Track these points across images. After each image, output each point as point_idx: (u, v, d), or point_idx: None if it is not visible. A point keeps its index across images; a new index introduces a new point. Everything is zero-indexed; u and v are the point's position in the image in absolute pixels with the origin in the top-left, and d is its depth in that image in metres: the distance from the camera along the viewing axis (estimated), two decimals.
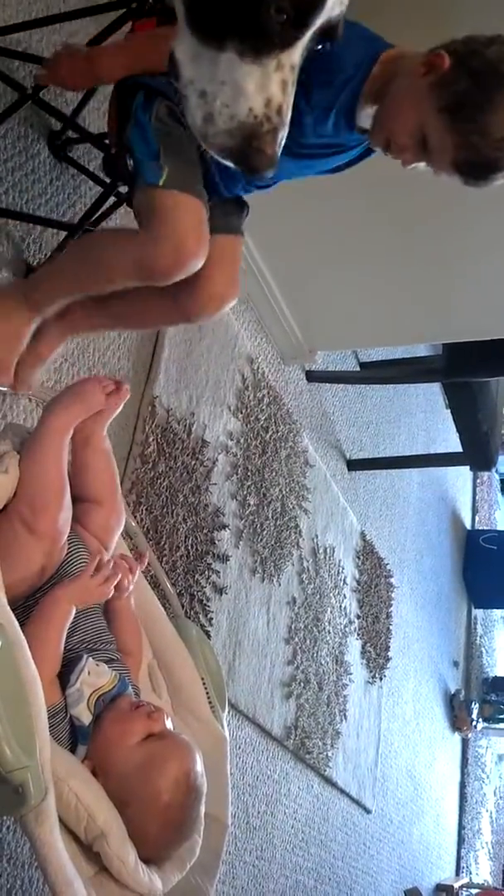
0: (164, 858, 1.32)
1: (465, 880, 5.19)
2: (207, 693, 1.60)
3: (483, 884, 5.69)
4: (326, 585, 3.20)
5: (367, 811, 3.60)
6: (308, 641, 3.01)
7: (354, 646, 3.47)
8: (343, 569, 3.38)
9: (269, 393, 2.82)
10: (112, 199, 1.73)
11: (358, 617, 3.52)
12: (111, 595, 1.41)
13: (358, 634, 3.50)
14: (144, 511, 2.14)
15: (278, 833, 2.80)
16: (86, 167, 1.93)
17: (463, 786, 5.53)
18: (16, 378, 1.64)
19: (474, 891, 5.23)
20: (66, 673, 1.31)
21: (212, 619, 2.41)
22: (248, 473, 2.66)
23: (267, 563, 2.74)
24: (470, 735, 5.49)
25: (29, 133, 1.83)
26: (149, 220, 1.43)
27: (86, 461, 1.48)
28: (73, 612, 1.33)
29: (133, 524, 1.72)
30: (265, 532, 2.74)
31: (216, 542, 2.45)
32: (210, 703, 1.59)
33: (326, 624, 3.17)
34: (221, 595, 2.47)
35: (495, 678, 6.24)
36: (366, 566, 3.63)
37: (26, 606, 1.34)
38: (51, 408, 1.45)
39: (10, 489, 1.35)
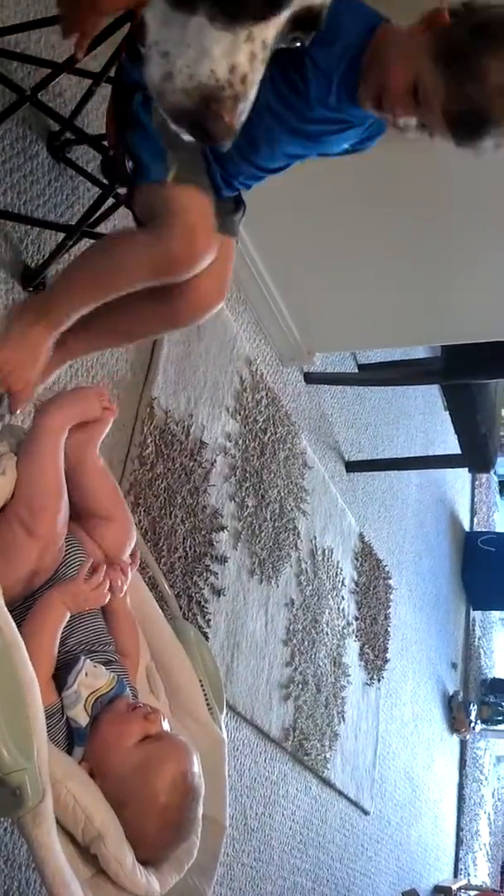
0: (161, 860, 1.32)
1: (463, 882, 5.19)
2: (205, 695, 1.60)
3: (481, 885, 5.69)
4: (325, 587, 3.20)
5: (366, 813, 3.60)
6: (306, 643, 3.01)
7: (353, 647, 3.46)
8: (341, 570, 3.38)
9: (267, 394, 2.82)
10: (111, 201, 1.73)
11: (356, 618, 3.51)
12: (107, 599, 1.41)
13: (356, 636, 3.50)
14: (143, 512, 2.14)
15: (276, 835, 2.80)
16: (84, 168, 1.93)
17: (461, 787, 5.53)
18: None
19: (472, 892, 5.23)
20: (63, 674, 1.31)
21: (210, 620, 2.41)
22: (247, 475, 2.66)
23: (265, 564, 2.74)
24: (468, 737, 5.49)
25: (27, 134, 1.83)
26: (159, 217, 1.42)
27: (86, 481, 1.48)
28: (68, 614, 1.33)
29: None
30: (263, 533, 2.74)
31: (214, 543, 2.45)
32: (208, 704, 1.59)
33: (325, 625, 3.17)
34: (219, 597, 2.47)
35: (493, 680, 6.24)
36: (364, 568, 3.63)
37: (24, 608, 1.33)
38: (46, 409, 1.45)
39: (7, 491, 1.35)
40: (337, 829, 3.31)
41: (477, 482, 6.47)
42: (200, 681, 1.60)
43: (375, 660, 3.72)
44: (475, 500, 6.38)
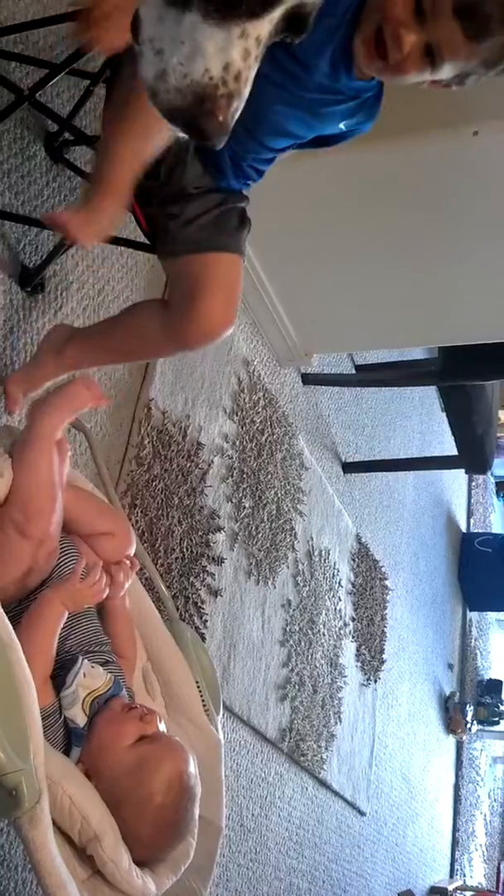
0: (157, 861, 1.32)
1: (458, 883, 5.19)
2: (202, 696, 1.60)
3: (477, 886, 5.70)
4: (321, 588, 3.20)
5: (362, 813, 3.60)
6: (303, 644, 3.01)
7: (349, 648, 3.47)
8: (338, 571, 3.38)
9: (264, 395, 2.82)
10: None
11: (353, 619, 3.52)
12: (105, 596, 1.41)
13: (353, 637, 3.50)
14: (139, 513, 2.14)
15: (272, 835, 2.80)
16: (82, 169, 1.92)
17: (457, 788, 5.54)
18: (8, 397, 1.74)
19: (468, 893, 5.24)
20: (61, 675, 1.31)
21: (206, 621, 2.40)
22: (244, 476, 2.66)
23: (262, 565, 2.74)
24: (464, 737, 5.49)
25: (25, 135, 1.83)
26: (181, 293, 1.50)
27: (78, 503, 1.50)
28: (66, 613, 1.33)
29: None
30: (260, 534, 2.74)
31: (211, 544, 2.45)
32: (204, 705, 1.59)
33: (321, 626, 3.18)
34: (216, 597, 2.47)
35: (490, 681, 6.24)
36: (361, 569, 3.63)
37: (20, 609, 1.33)
38: (39, 410, 1.45)
39: (2, 493, 1.35)
40: (333, 829, 3.31)
41: (474, 483, 6.47)
42: (197, 682, 1.60)
43: (372, 661, 3.72)
44: (472, 501, 6.39)
